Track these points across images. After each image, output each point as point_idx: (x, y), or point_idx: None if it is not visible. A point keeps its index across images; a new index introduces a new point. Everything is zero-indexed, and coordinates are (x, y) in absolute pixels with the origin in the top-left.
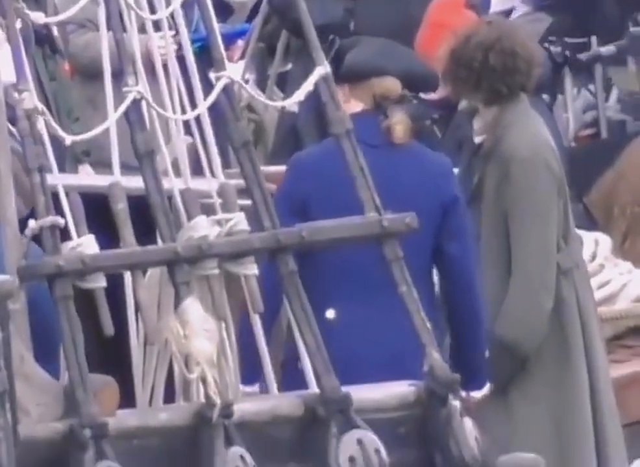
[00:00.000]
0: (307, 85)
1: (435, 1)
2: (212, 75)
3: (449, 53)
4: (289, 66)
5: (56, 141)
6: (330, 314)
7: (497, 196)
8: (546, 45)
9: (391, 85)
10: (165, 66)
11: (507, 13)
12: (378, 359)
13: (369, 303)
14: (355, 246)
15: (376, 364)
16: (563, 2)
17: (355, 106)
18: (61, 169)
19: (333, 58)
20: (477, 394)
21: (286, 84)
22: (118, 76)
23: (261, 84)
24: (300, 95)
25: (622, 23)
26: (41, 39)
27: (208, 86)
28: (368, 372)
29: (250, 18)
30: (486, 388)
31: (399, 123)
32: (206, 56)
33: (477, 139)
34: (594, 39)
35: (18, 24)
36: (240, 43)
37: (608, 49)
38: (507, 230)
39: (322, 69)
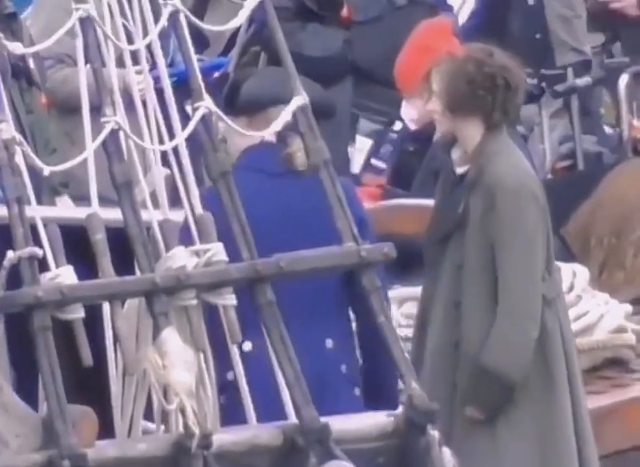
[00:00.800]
0: (285, 116)
1: (421, 26)
2: (188, 107)
3: (458, 75)
4: None
5: (33, 173)
6: (247, 346)
7: (483, 225)
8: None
9: None
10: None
11: None
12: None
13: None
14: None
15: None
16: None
17: (253, 138)
18: (39, 202)
19: (228, 91)
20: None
21: None
22: (96, 111)
23: None
24: (278, 125)
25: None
26: (18, 72)
27: (184, 119)
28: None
29: (226, 50)
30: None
31: (299, 150)
32: (181, 90)
33: (458, 170)
34: (570, 70)
35: None
36: (217, 75)
37: (585, 80)
38: (493, 259)
39: (301, 99)
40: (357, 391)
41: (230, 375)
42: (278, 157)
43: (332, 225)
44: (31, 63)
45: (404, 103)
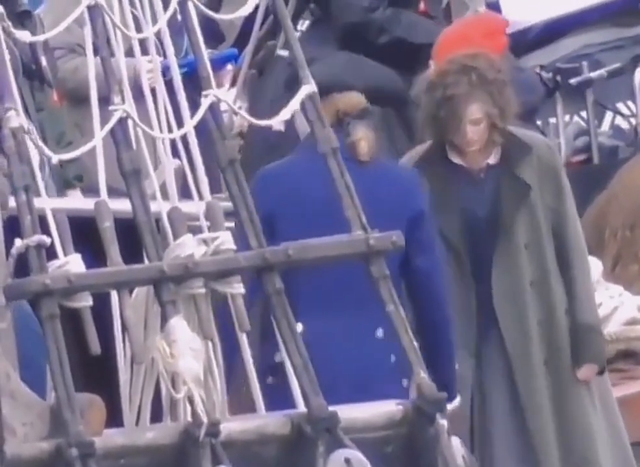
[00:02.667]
0: (294, 104)
1: (479, 16)
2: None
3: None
4: None
5: (44, 165)
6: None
7: (542, 199)
8: (538, 70)
9: (354, 100)
10: (152, 88)
11: None
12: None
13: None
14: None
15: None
16: None
17: None
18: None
19: (292, 76)
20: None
21: None
22: (104, 102)
23: (253, 111)
24: (286, 113)
25: None
26: (30, 72)
27: (193, 109)
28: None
29: (238, 43)
30: (456, 401)
31: (363, 139)
32: (192, 81)
33: (481, 164)
34: (585, 64)
35: (6, 52)
36: (229, 67)
37: (600, 74)
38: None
39: (309, 87)
40: (405, 382)
41: (277, 357)
42: (340, 145)
43: (389, 213)
44: (44, 61)
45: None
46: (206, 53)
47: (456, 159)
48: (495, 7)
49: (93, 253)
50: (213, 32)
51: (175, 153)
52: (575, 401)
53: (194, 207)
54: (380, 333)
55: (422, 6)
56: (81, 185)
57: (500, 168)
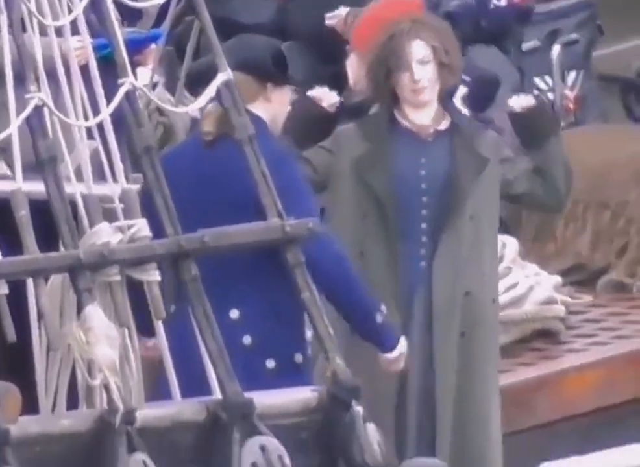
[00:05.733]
0: (210, 91)
1: None
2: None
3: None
4: None
5: None
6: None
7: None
8: None
9: None
10: (68, 73)
11: None
12: None
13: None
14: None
15: None
16: None
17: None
18: None
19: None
20: (393, 355)
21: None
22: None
23: (172, 87)
24: (202, 101)
25: None
26: None
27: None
28: None
29: (159, 22)
30: (400, 346)
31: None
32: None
33: (430, 129)
34: None
35: None
36: (154, 46)
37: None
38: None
39: (225, 75)
40: (271, 363)
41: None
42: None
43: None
44: None
45: (351, 58)
46: (122, 40)
47: (404, 122)
48: None
49: (8, 236)
50: (129, 9)
51: (92, 135)
52: (480, 383)
53: (109, 189)
54: (234, 314)
55: None
56: (4, 157)
57: (449, 136)
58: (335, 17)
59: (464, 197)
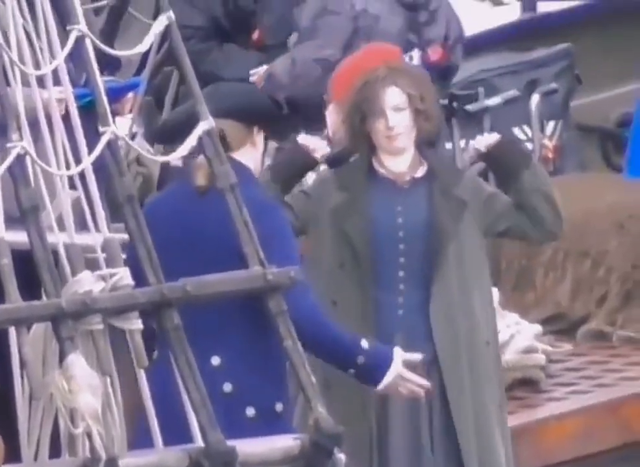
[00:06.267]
0: (191, 140)
1: (369, 46)
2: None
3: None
4: None
5: None
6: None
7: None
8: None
9: None
10: (50, 123)
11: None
12: None
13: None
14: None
15: None
16: None
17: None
18: None
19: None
20: (383, 384)
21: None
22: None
23: (150, 137)
24: (183, 150)
25: None
26: None
27: (99, 139)
28: None
29: (138, 72)
30: (390, 372)
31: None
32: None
33: (406, 177)
34: (481, 90)
35: None
36: (131, 95)
37: (496, 101)
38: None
39: (207, 123)
40: (251, 411)
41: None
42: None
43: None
44: None
45: (330, 107)
46: (103, 89)
47: (381, 170)
48: None
49: None
50: (109, 58)
51: (73, 184)
52: (487, 423)
53: (91, 239)
54: (215, 360)
55: (255, 35)
56: None
57: (427, 182)
58: (256, 74)
59: (446, 243)
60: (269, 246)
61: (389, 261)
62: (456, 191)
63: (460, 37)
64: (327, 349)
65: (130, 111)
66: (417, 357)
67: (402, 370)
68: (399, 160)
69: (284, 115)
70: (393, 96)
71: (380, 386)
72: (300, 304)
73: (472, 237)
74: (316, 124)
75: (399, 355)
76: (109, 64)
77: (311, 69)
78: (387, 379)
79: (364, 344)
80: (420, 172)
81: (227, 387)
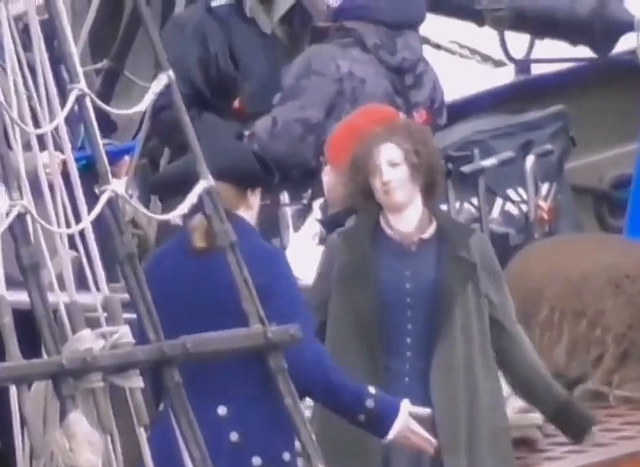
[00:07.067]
0: (191, 198)
1: (367, 107)
2: (97, 189)
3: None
4: None
5: None
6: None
7: (481, 278)
8: None
9: None
10: (50, 183)
11: None
12: None
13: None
14: None
15: None
16: None
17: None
18: None
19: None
20: (389, 437)
21: None
22: None
23: (145, 200)
24: (183, 208)
25: None
26: None
27: (94, 201)
28: None
29: (136, 135)
30: (396, 424)
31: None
32: (91, 173)
33: (414, 238)
34: (476, 151)
35: None
36: (127, 159)
37: (491, 162)
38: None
39: (206, 182)
40: (257, 461)
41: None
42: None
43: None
44: None
45: (326, 169)
46: (103, 148)
47: (388, 230)
48: None
49: None
50: (106, 121)
51: (73, 243)
52: None
53: (91, 298)
54: (222, 410)
55: (236, 103)
56: None
57: (436, 243)
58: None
59: (453, 308)
60: (274, 290)
61: (396, 328)
62: (466, 252)
63: (444, 100)
64: (336, 393)
65: (126, 174)
66: (425, 411)
67: (410, 421)
68: (405, 219)
69: (275, 176)
70: (387, 151)
71: (389, 436)
72: (307, 348)
73: (478, 299)
74: (298, 184)
75: (407, 406)
76: (106, 126)
77: (292, 129)
78: (396, 427)
79: (372, 389)
80: (429, 232)
81: (234, 436)
